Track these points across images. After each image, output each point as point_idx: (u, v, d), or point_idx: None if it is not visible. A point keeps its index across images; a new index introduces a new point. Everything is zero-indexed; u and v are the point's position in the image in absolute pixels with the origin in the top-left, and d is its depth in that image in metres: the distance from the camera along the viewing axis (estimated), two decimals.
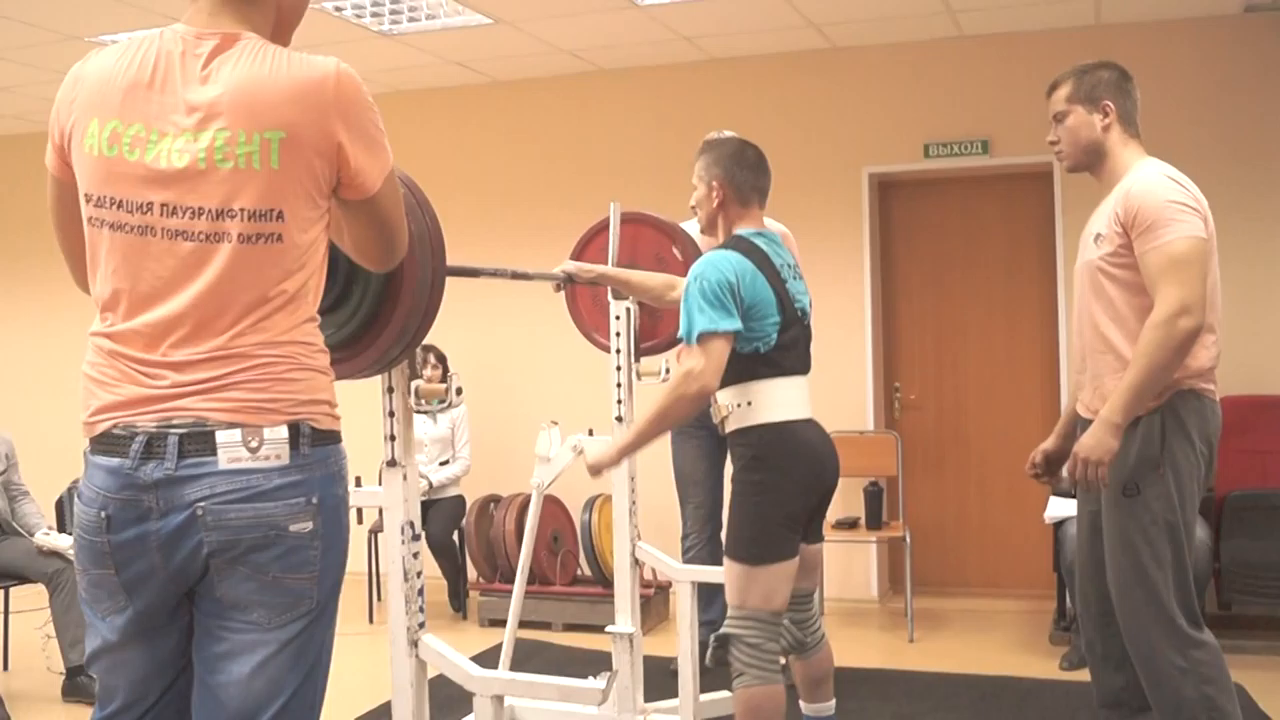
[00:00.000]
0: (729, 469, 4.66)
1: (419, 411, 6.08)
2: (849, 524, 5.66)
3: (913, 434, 6.19)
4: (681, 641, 3.97)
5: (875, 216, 6.22)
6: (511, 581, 5.40)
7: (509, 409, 6.47)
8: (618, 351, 4.02)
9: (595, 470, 3.28)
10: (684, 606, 3.99)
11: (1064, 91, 3.13)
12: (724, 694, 4.22)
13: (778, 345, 3.06)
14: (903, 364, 6.35)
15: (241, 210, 1.79)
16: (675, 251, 4.11)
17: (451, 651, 2.86)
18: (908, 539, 5.51)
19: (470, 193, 6.72)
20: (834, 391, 6.08)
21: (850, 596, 6.10)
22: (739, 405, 3.10)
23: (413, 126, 6.84)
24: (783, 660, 3.22)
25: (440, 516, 6.01)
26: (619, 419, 4.05)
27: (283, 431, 1.81)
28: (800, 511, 3.08)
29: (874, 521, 5.63)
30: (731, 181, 3.19)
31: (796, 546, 3.08)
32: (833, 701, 3.44)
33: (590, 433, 4.17)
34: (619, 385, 4.04)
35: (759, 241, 3.13)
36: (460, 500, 6.16)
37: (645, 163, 6.23)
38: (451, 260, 2.78)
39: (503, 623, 4.84)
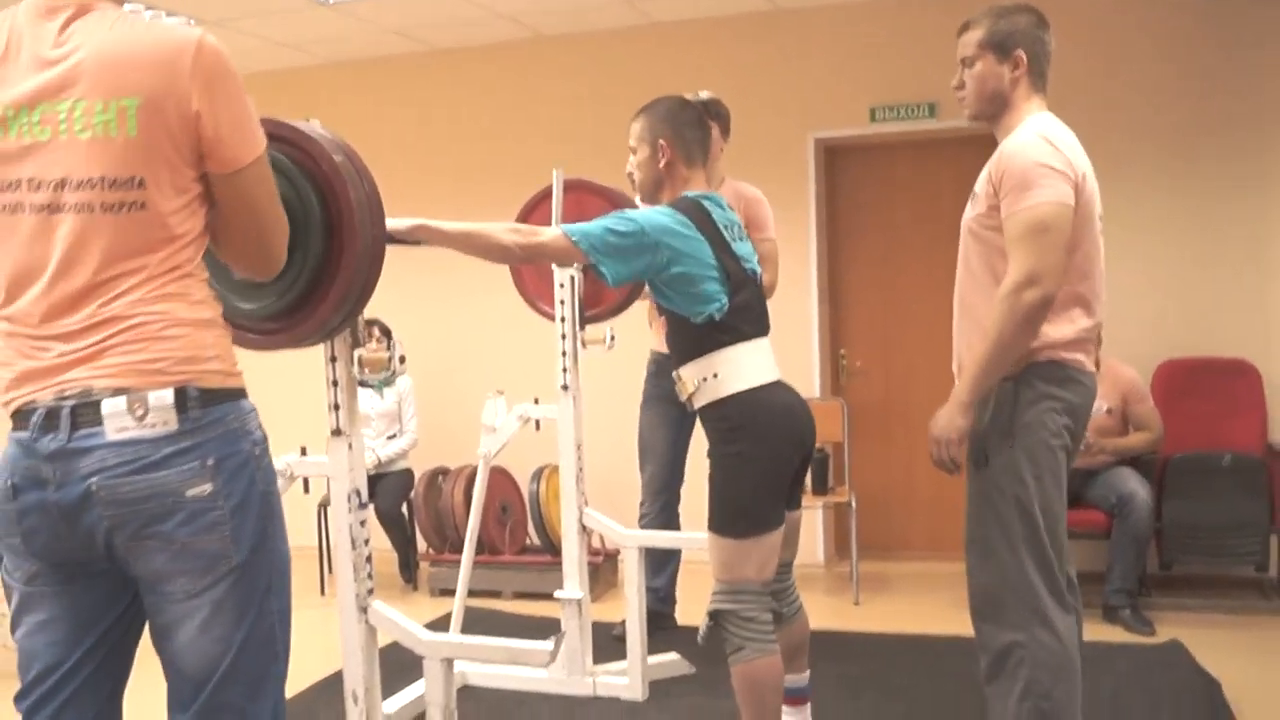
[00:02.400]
0: (696, 439, 4.73)
1: (364, 385, 6.08)
2: None
3: (859, 400, 6.25)
4: (630, 605, 4.02)
5: (822, 182, 6.25)
6: (461, 552, 5.43)
7: (455, 382, 6.46)
8: (562, 320, 4.04)
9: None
10: (631, 571, 4.03)
11: (976, 35, 2.92)
12: (670, 656, 4.30)
13: (732, 309, 2.96)
14: (849, 331, 6.40)
15: (103, 179, 1.79)
16: None
17: (401, 617, 2.87)
18: (853, 504, 5.57)
19: (412, 163, 6.70)
20: (780, 358, 5.98)
21: (797, 561, 6.14)
22: (705, 379, 2.99)
23: (352, 96, 6.80)
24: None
25: (389, 489, 6.01)
26: (564, 387, 4.07)
27: (168, 396, 1.80)
28: (783, 477, 3.02)
29: (820, 487, 5.68)
30: (678, 138, 3.10)
31: (780, 515, 3.02)
32: (808, 672, 3.43)
33: (536, 401, 4.19)
34: (564, 354, 4.07)
35: (705, 204, 3.05)
36: (408, 473, 6.15)
37: (589, 130, 6.21)
38: None
39: (453, 592, 4.85)
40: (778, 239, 6.00)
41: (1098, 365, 4.93)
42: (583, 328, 4.12)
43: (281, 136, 2.55)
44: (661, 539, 4.44)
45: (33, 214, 1.81)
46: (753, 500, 2.96)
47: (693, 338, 3.00)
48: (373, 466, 6.01)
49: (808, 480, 5.56)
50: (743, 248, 3.10)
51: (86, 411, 1.78)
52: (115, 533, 1.81)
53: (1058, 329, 2.79)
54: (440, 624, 4.38)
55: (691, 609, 4.98)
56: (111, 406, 1.78)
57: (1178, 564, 5.20)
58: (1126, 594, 4.87)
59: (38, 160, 1.80)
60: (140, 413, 1.79)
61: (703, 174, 3.17)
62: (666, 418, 4.73)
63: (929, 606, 5.29)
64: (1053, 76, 2.98)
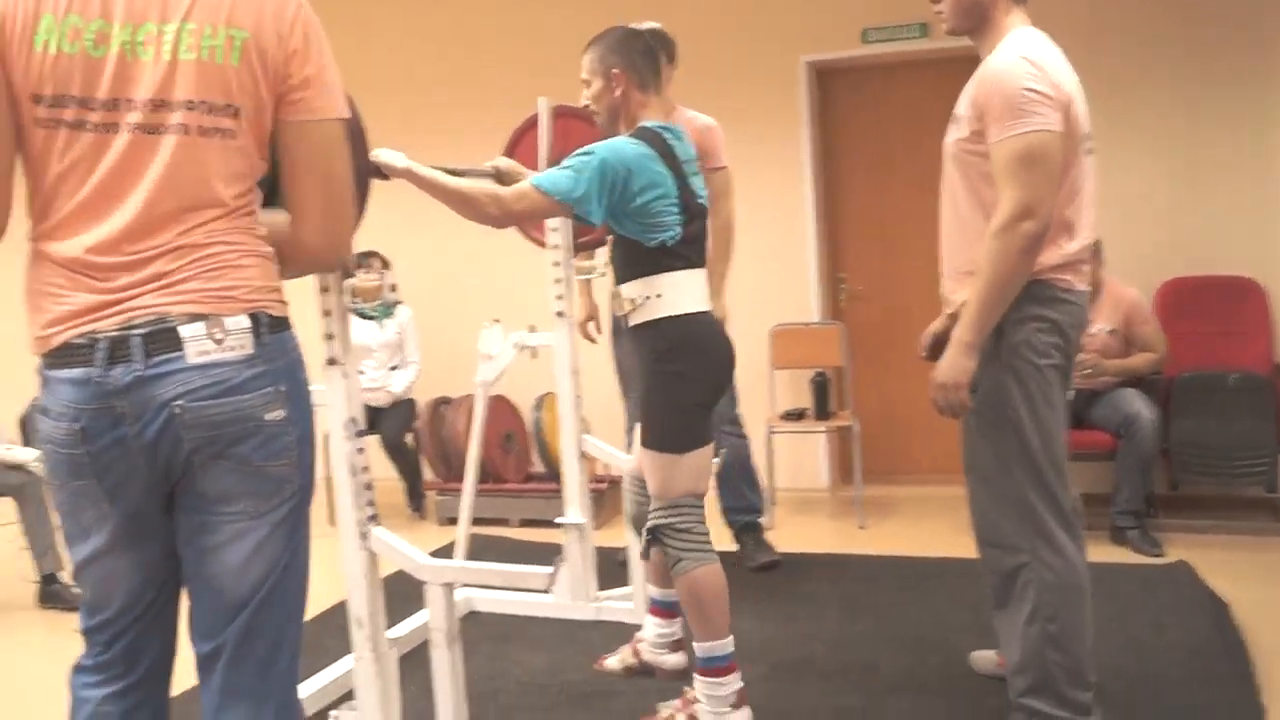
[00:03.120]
0: None
1: (363, 316, 6.08)
2: (797, 415, 5.73)
3: (859, 324, 6.24)
4: (629, 533, 4.03)
5: (814, 106, 6.19)
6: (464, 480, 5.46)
7: (456, 311, 6.45)
8: (555, 247, 4.02)
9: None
10: (628, 498, 4.03)
11: None
12: None
13: (683, 239, 3.02)
14: (847, 254, 6.37)
15: (203, 102, 1.79)
16: None
17: (401, 543, 2.90)
18: (855, 428, 5.59)
19: (399, 93, 6.67)
20: (778, 284, 6.13)
21: (801, 486, 6.20)
22: (648, 298, 3.05)
23: (336, 26, 6.71)
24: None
25: (393, 420, 6.04)
26: (560, 314, 4.07)
27: (244, 321, 1.82)
28: (714, 396, 3.11)
29: (821, 412, 5.70)
30: (631, 66, 3.11)
31: (711, 432, 3.11)
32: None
33: (531, 329, 4.19)
34: (557, 281, 4.06)
35: (665, 134, 3.07)
36: (411, 403, 6.17)
37: (576, 56, 6.11)
38: None
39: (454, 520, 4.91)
40: (771, 163, 6.01)
41: (1099, 286, 4.96)
42: (575, 255, 4.10)
43: None
44: None
45: (127, 133, 1.78)
46: (686, 417, 3.05)
47: (641, 259, 3.04)
48: (389, 403, 6.02)
49: (809, 406, 5.68)
50: (697, 181, 3.15)
51: (162, 338, 1.76)
52: (195, 455, 1.80)
53: (1044, 254, 2.74)
54: (448, 551, 4.40)
55: None
56: (191, 331, 1.77)
57: (1186, 484, 5.20)
58: (1133, 515, 4.88)
59: (138, 79, 1.78)
60: (219, 336, 1.79)
61: (658, 101, 3.17)
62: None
63: (933, 529, 5.31)
64: None
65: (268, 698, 1.93)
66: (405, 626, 3.88)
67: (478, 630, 4.11)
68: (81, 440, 1.79)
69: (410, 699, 3.17)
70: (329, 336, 2.87)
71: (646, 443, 3.08)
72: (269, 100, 1.85)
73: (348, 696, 3.00)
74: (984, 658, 3.48)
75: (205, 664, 1.93)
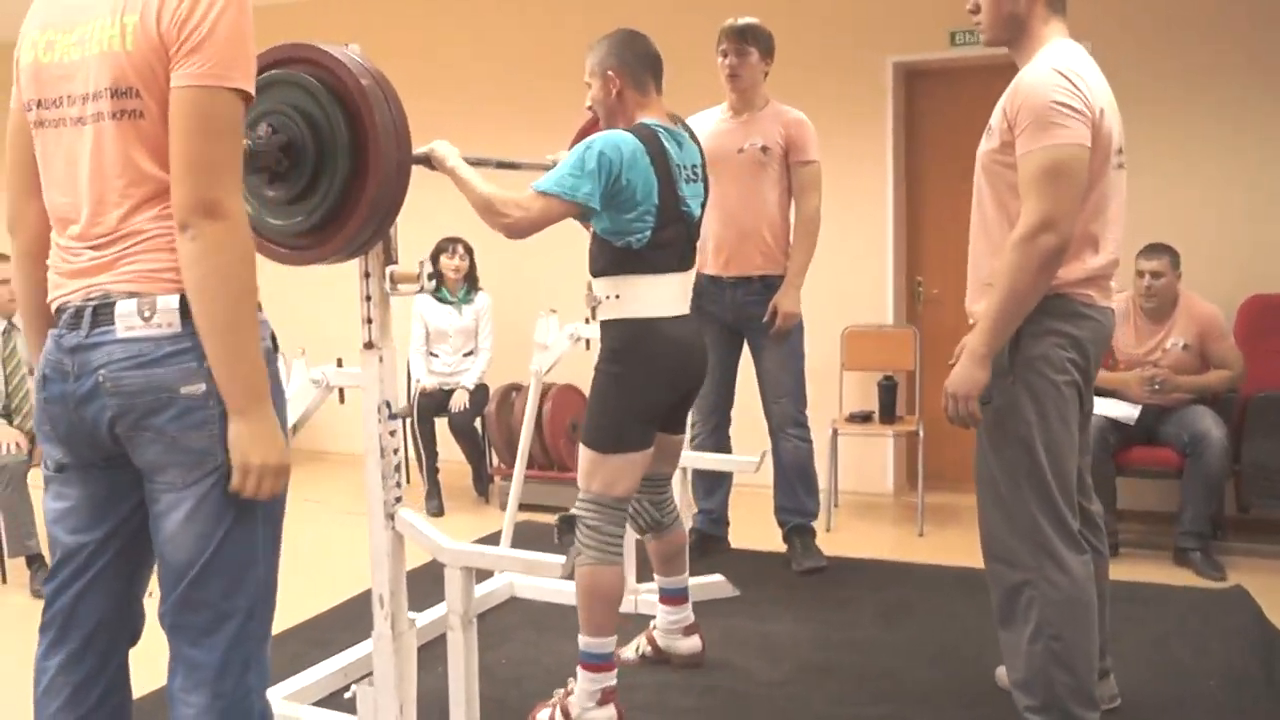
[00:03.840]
0: (744, 361, 4.76)
1: (444, 302, 6.20)
2: (863, 417, 5.71)
3: (933, 328, 6.17)
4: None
5: (900, 107, 6.13)
6: (533, 468, 5.56)
7: (531, 298, 6.52)
8: None
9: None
10: (674, 492, 4.07)
11: None
12: (715, 578, 4.36)
13: (651, 243, 3.07)
14: (926, 257, 6.31)
15: (109, 90, 1.93)
16: None
17: (425, 524, 2.97)
18: (921, 433, 5.54)
19: (466, 86, 6.82)
20: (854, 284, 6.09)
21: (865, 490, 6.17)
22: (608, 297, 3.15)
23: (405, 29, 6.88)
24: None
25: (463, 403, 6.14)
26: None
27: (174, 301, 1.94)
28: (656, 406, 3.15)
29: (888, 416, 5.66)
30: (625, 67, 3.17)
31: (650, 439, 3.17)
32: (686, 575, 3.66)
33: (587, 321, 4.24)
34: None
35: (662, 134, 3.11)
36: (483, 388, 6.27)
37: (669, 53, 6.15)
38: None
39: (526, 507, 4.99)
40: (854, 163, 5.97)
41: (1174, 300, 4.83)
42: None
43: (310, 59, 2.65)
44: (704, 460, 4.49)
45: (72, 127, 1.98)
46: (617, 420, 3.12)
47: (609, 256, 3.12)
48: (461, 405, 6.10)
49: (875, 409, 5.65)
50: (691, 189, 3.18)
51: (104, 311, 1.95)
52: (117, 422, 1.96)
53: (1067, 269, 2.73)
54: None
55: (744, 532, 5.05)
56: (124, 307, 1.94)
57: (1256, 507, 5.03)
58: (1196, 536, 4.76)
59: (72, 77, 1.97)
60: (148, 314, 1.94)
61: (657, 101, 3.23)
62: (713, 340, 4.73)
63: None
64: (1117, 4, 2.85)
65: (204, 666, 2.01)
66: (434, 613, 3.94)
67: (517, 615, 4.19)
68: (42, 386, 2.04)
69: (437, 679, 3.24)
70: (368, 320, 2.96)
71: (581, 432, 3.20)
72: (164, 76, 1.91)
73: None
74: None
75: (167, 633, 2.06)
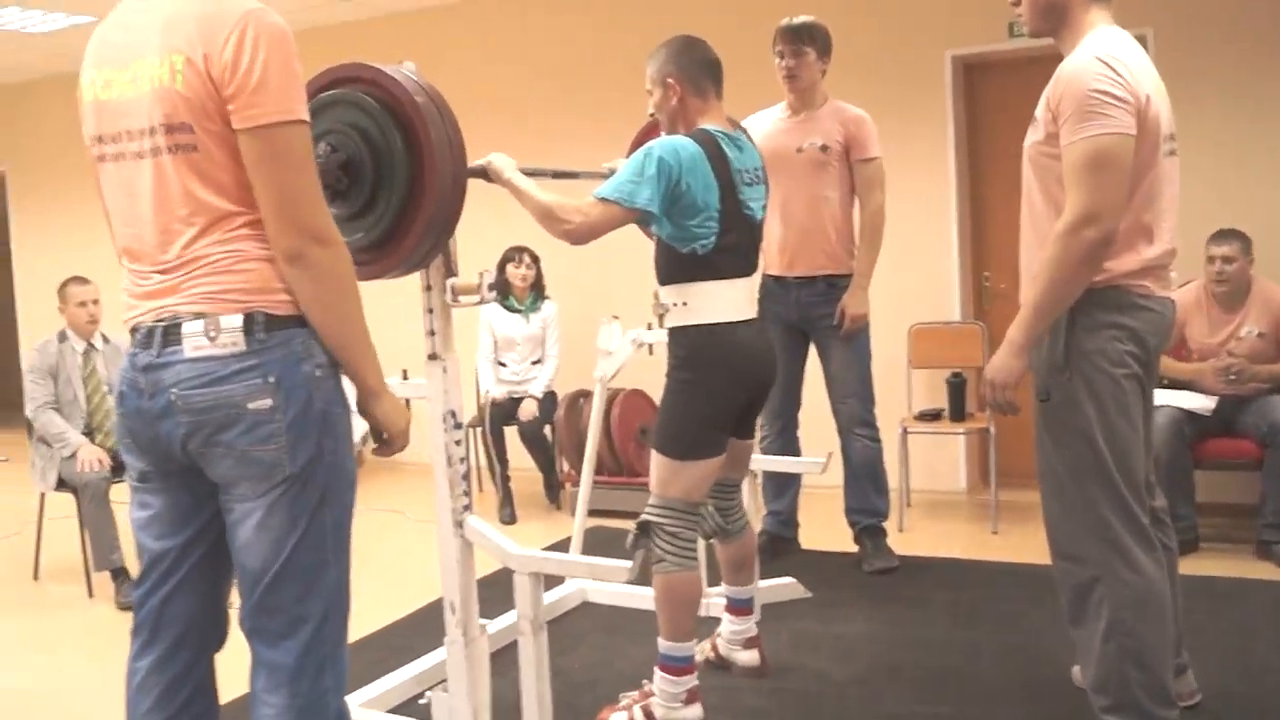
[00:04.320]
0: (813, 362, 4.76)
1: (511, 310, 6.26)
2: (932, 415, 5.67)
3: (1001, 323, 6.00)
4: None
5: (960, 101, 6.08)
6: (603, 474, 5.60)
7: (599, 305, 6.56)
8: None
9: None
10: (742, 493, 4.07)
11: None
12: (786, 580, 4.36)
13: (717, 248, 3.09)
14: (992, 252, 6.24)
15: (163, 125, 2.01)
16: None
17: (493, 532, 3.00)
18: (992, 430, 5.49)
19: (521, 98, 6.90)
20: (919, 282, 6.05)
21: (937, 488, 6.11)
22: (675, 304, 3.17)
23: (460, 44, 6.97)
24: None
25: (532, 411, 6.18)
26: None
27: (237, 320, 2.03)
28: (728, 411, 3.16)
29: (957, 413, 5.62)
30: (685, 74, 3.19)
31: (723, 444, 3.17)
32: (755, 584, 3.64)
33: (650, 327, 4.27)
34: None
35: (721, 139, 3.13)
36: (552, 395, 6.32)
37: (729, 52, 6.14)
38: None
39: (596, 513, 5.03)
40: (915, 159, 5.93)
41: (1247, 286, 4.73)
42: None
43: (366, 78, 2.71)
44: (771, 462, 4.49)
45: (131, 160, 2.08)
46: (690, 427, 3.12)
47: (675, 263, 3.14)
48: (531, 414, 6.14)
49: (945, 406, 5.61)
50: (753, 191, 3.19)
51: (173, 332, 2.04)
52: (189, 439, 2.06)
53: (1120, 260, 2.69)
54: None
55: (815, 533, 5.04)
56: (191, 328, 2.03)
57: None
58: (1278, 529, 4.67)
59: (129, 113, 2.06)
60: (213, 334, 2.02)
61: (718, 106, 3.24)
62: (779, 341, 4.72)
63: None
64: None
65: (282, 668, 2.09)
66: (507, 619, 3.99)
67: (589, 621, 4.22)
68: (120, 402, 2.15)
69: (510, 684, 3.28)
70: (430, 333, 3.02)
71: (652, 440, 3.21)
72: (216, 113, 1.99)
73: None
74: None
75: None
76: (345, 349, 2.12)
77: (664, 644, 3.19)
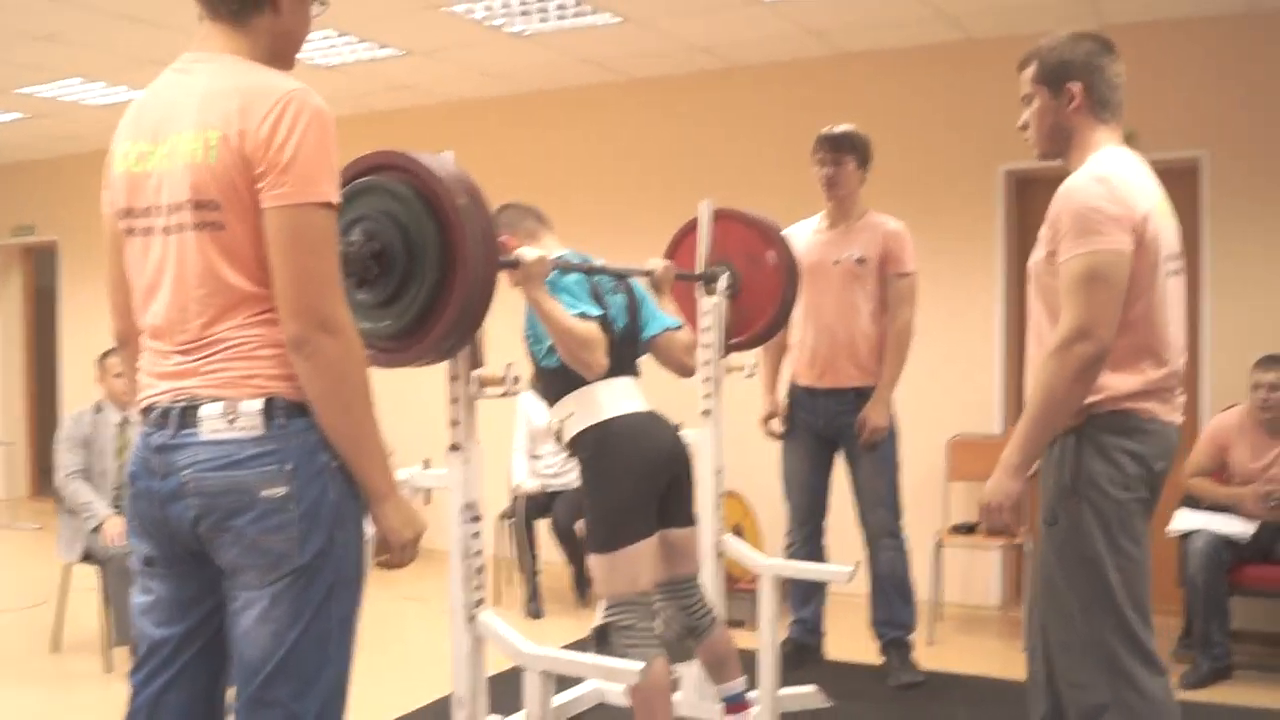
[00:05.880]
0: (839, 471, 4.71)
1: None
2: (967, 529, 5.57)
3: None
4: (762, 634, 4.00)
5: (1011, 214, 6.08)
6: None
7: None
8: (706, 346, 4.08)
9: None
10: (765, 599, 4.02)
11: (1029, 72, 2.82)
12: (807, 688, 4.26)
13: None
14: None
15: (189, 201, 2.00)
16: (770, 255, 4.13)
17: (505, 627, 2.98)
18: (1028, 547, 5.38)
19: (594, 189, 6.96)
20: (958, 393, 6.01)
21: (970, 603, 6.00)
22: (566, 417, 3.31)
23: (519, 133, 7.15)
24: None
25: (565, 505, 6.14)
26: (706, 413, 4.11)
27: (257, 404, 1.99)
28: (643, 491, 3.23)
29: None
30: (509, 228, 3.37)
31: (649, 526, 3.23)
32: (742, 679, 3.58)
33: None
34: (707, 380, 4.11)
35: (573, 257, 3.35)
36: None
37: (775, 159, 6.24)
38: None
39: None
40: (961, 271, 5.92)
41: None
42: (725, 354, 4.16)
43: (403, 166, 2.73)
44: (795, 569, 4.41)
45: (158, 235, 2.06)
46: (610, 515, 3.22)
47: (554, 383, 3.33)
48: (562, 510, 6.12)
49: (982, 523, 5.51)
50: (612, 300, 3.37)
51: (190, 414, 2.01)
52: (200, 522, 2.01)
53: (1123, 380, 2.65)
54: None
55: (840, 643, 4.94)
56: (209, 411, 2.00)
57: None
58: None
59: (161, 188, 2.05)
60: (232, 417, 1.99)
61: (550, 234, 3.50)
62: (806, 448, 4.73)
63: None
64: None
65: None
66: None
67: None
68: (131, 481, 2.12)
69: None
70: (454, 423, 3.01)
71: (586, 546, 3.31)
72: (245, 191, 1.97)
73: None
74: None
75: None
76: (348, 444, 2.03)
77: None
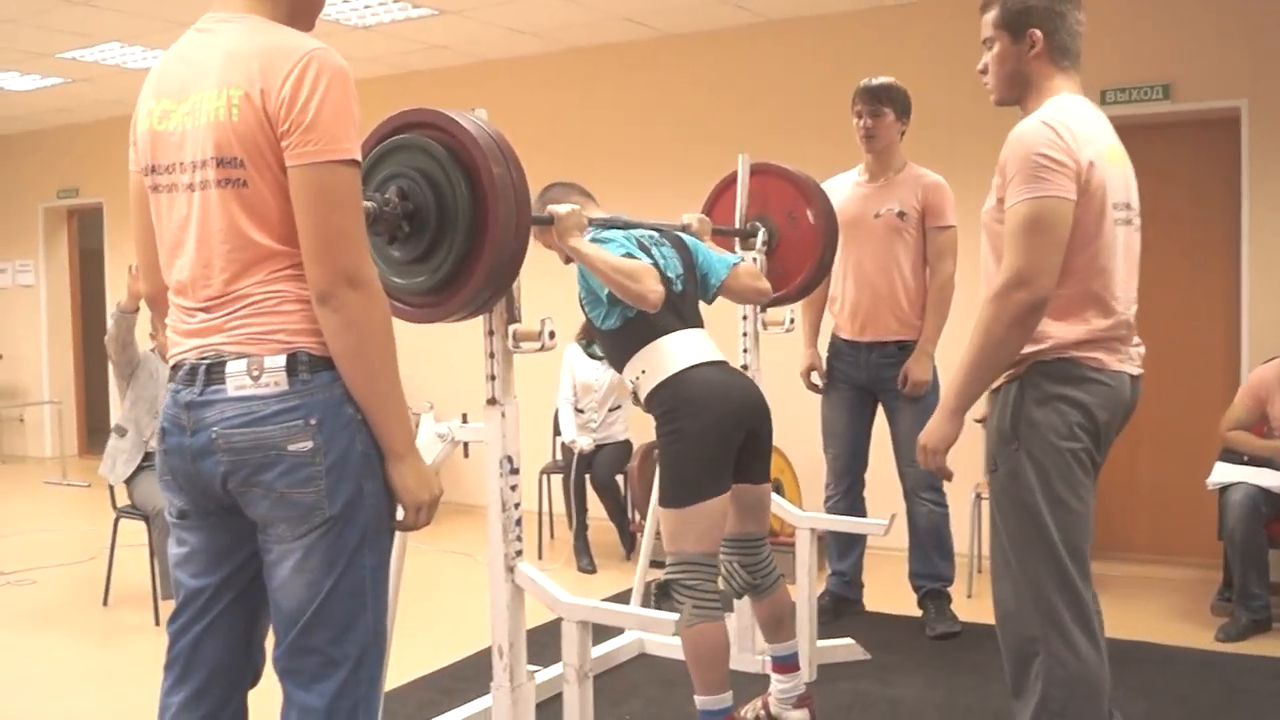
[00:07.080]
0: (880, 423, 4.72)
1: (594, 357, 6.27)
2: None
3: None
4: (800, 587, 4.04)
5: None
6: None
7: None
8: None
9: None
10: (802, 553, 4.06)
11: (991, 15, 2.77)
12: (845, 641, 4.30)
13: (639, 311, 3.20)
14: None
15: (214, 158, 2.01)
16: (808, 211, 4.12)
17: (544, 578, 3.03)
18: None
19: (628, 145, 6.97)
20: None
21: None
22: (637, 376, 3.29)
23: (558, 92, 7.12)
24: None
25: (606, 460, 6.19)
26: (744, 367, 4.13)
27: (280, 360, 2.01)
28: (719, 447, 3.18)
29: None
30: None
31: (723, 483, 3.20)
32: (794, 640, 3.59)
33: (465, 419, 4.20)
34: (745, 334, 4.13)
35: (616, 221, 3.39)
36: (627, 444, 6.32)
37: (813, 115, 6.21)
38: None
39: (659, 564, 4.97)
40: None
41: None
42: (764, 310, 4.17)
43: (434, 124, 2.75)
44: (834, 522, 4.45)
45: (181, 192, 2.08)
46: (685, 470, 3.17)
47: (618, 343, 3.33)
48: (589, 449, 6.16)
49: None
50: (660, 252, 3.37)
51: (216, 370, 2.03)
52: (229, 478, 2.04)
53: (1068, 329, 2.62)
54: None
55: (879, 595, 4.97)
56: (235, 367, 2.02)
57: None
58: None
59: (184, 145, 2.07)
60: (256, 374, 2.01)
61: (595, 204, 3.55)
62: (847, 401, 4.73)
63: (1140, 611, 5.00)
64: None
65: (314, 710, 2.07)
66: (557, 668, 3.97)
67: (646, 673, 4.20)
68: (162, 438, 2.14)
69: None
70: (491, 377, 3.05)
71: (657, 500, 3.26)
72: (268, 149, 1.99)
73: None
74: None
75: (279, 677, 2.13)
76: (369, 400, 2.04)
77: (699, 699, 3.19)
